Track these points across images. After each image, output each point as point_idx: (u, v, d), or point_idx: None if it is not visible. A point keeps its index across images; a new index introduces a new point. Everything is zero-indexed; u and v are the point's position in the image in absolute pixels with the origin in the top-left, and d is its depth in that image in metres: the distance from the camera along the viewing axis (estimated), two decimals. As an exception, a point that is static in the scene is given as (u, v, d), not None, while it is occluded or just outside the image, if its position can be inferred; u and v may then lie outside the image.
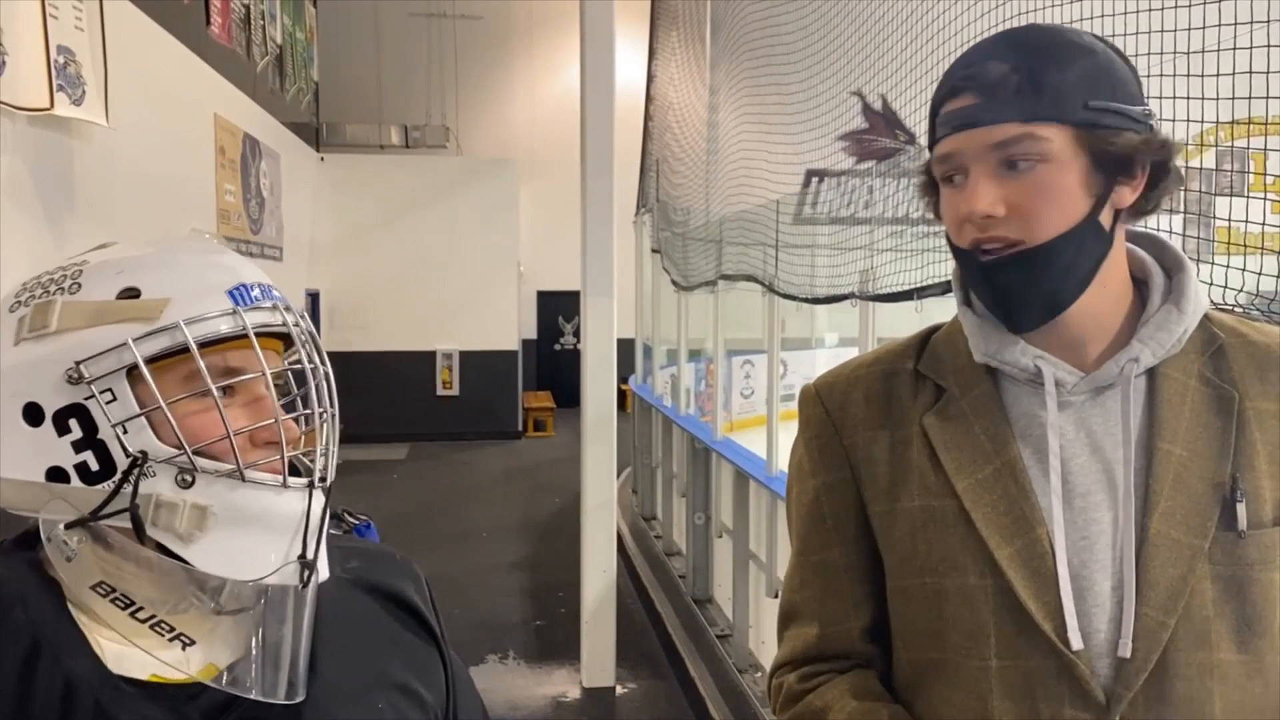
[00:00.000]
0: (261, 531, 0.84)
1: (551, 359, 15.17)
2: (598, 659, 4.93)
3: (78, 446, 0.82)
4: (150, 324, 0.82)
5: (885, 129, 3.45)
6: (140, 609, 0.82)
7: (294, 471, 0.88)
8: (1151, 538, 0.95)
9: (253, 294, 0.87)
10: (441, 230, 12.28)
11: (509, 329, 12.79)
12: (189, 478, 0.82)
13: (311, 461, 0.89)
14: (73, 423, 0.81)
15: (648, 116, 8.12)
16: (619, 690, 4.93)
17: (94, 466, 0.81)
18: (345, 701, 0.89)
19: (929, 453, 1.03)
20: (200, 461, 0.82)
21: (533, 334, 14.78)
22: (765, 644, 4.55)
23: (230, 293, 0.86)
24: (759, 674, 4.49)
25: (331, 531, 0.99)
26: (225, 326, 0.84)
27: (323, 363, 0.92)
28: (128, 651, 0.82)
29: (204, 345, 0.83)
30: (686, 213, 6.43)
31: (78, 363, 0.81)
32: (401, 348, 12.25)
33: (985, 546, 0.98)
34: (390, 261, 12.16)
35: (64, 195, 4.51)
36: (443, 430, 12.23)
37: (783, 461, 4.25)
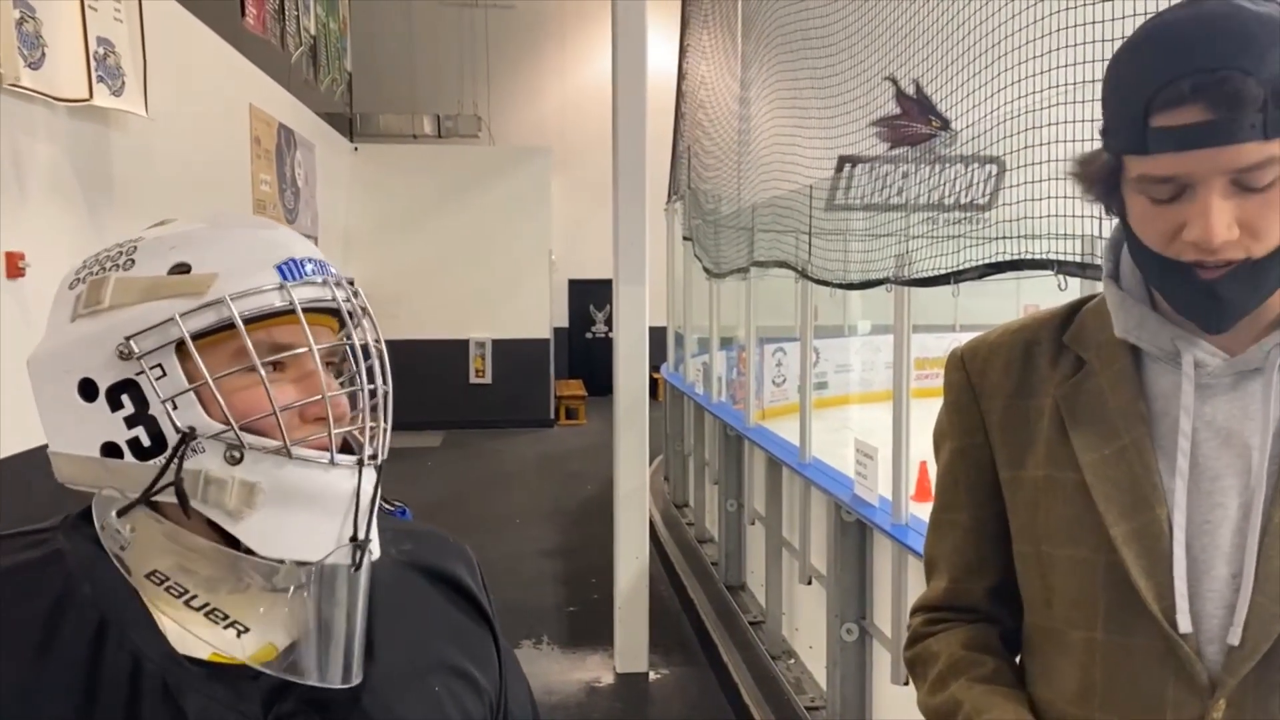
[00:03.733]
0: (311, 510, 0.83)
1: (583, 347, 15.19)
2: (631, 645, 4.95)
3: (130, 422, 0.81)
4: (198, 299, 0.81)
5: (919, 114, 3.42)
6: (194, 597, 0.82)
7: (346, 449, 0.87)
8: (1276, 528, 0.94)
9: (304, 269, 0.86)
10: (474, 219, 12.33)
11: (541, 317, 12.82)
12: (237, 454, 0.81)
13: (363, 438, 0.88)
14: (125, 398, 0.81)
15: (679, 103, 8.10)
16: (652, 676, 4.94)
17: (145, 442, 0.82)
18: (402, 685, 0.89)
19: (1059, 424, 1.03)
20: (247, 438, 0.82)
21: (565, 322, 14.80)
22: (798, 630, 4.55)
23: (279, 267, 0.85)
24: (792, 660, 4.49)
25: (385, 509, 0.99)
26: (272, 301, 0.83)
27: (377, 340, 0.91)
28: (190, 629, 0.82)
29: (252, 320, 0.82)
30: (718, 200, 6.41)
31: (127, 338, 0.81)
32: (435, 336, 12.32)
33: (1101, 522, 0.98)
34: (423, 250, 12.23)
35: (103, 185, 4.57)
36: (476, 418, 12.29)
37: (816, 448, 4.25)
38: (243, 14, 7.35)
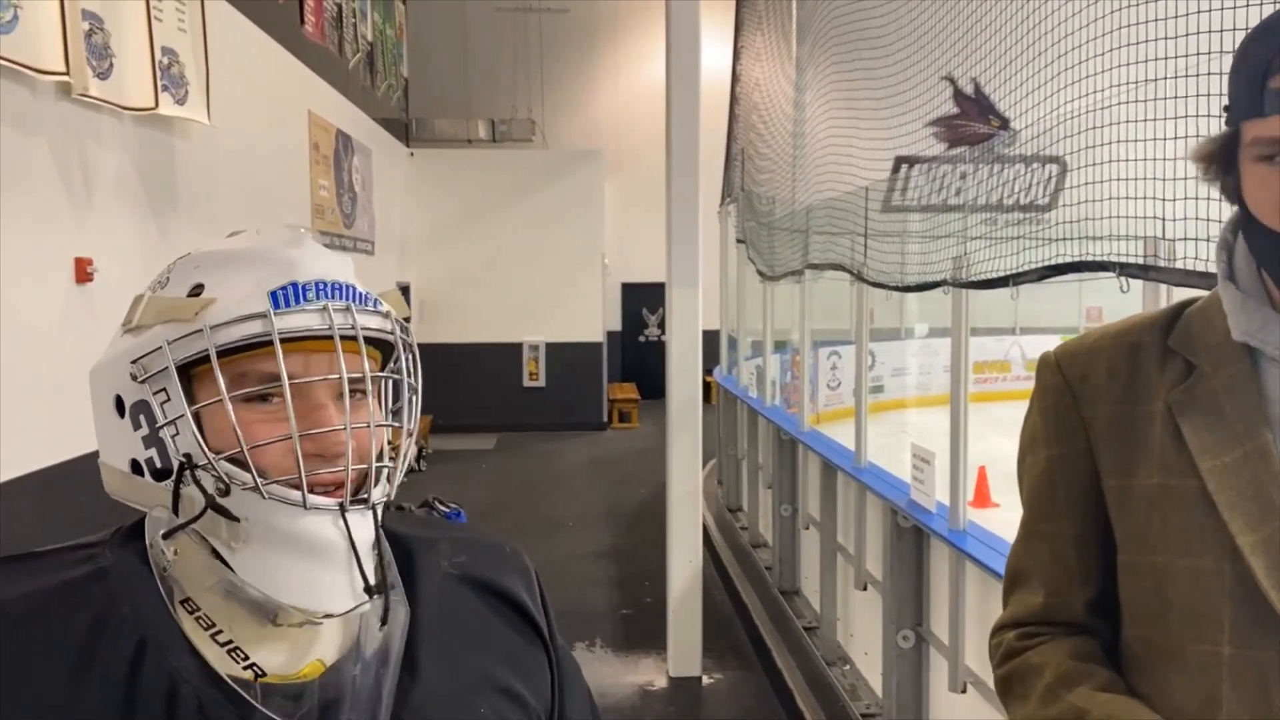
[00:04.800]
0: (298, 554, 0.80)
1: (636, 350, 15.22)
2: (684, 649, 4.94)
3: (146, 442, 0.82)
4: (187, 326, 0.80)
5: (977, 114, 3.37)
6: (220, 632, 0.83)
7: (360, 488, 0.83)
8: None
9: (304, 295, 0.82)
10: (528, 223, 12.41)
11: (594, 321, 12.87)
12: (223, 486, 0.80)
13: (383, 474, 0.85)
14: (142, 418, 0.82)
15: (733, 104, 8.08)
16: (705, 680, 4.93)
17: (157, 464, 0.82)
18: (446, 705, 0.87)
19: (1172, 430, 1.00)
20: (230, 469, 0.79)
21: (618, 325, 14.84)
22: (854, 636, 4.51)
23: (274, 293, 0.81)
24: (847, 666, 4.44)
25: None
26: (254, 330, 0.80)
27: (411, 371, 0.88)
28: (233, 647, 0.83)
29: (234, 351, 0.80)
30: (772, 202, 6.38)
31: (133, 361, 0.82)
32: (489, 339, 12.42)
33: (1226, 531, 0.94)
34: (478, 254, 12.33)
35: (167, 191, 4.68)
36: (529, 421, 12.37)
37: (872, 453, 4.21)
38: (302, 21, 7.47)
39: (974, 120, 3.37)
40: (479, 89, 14.06)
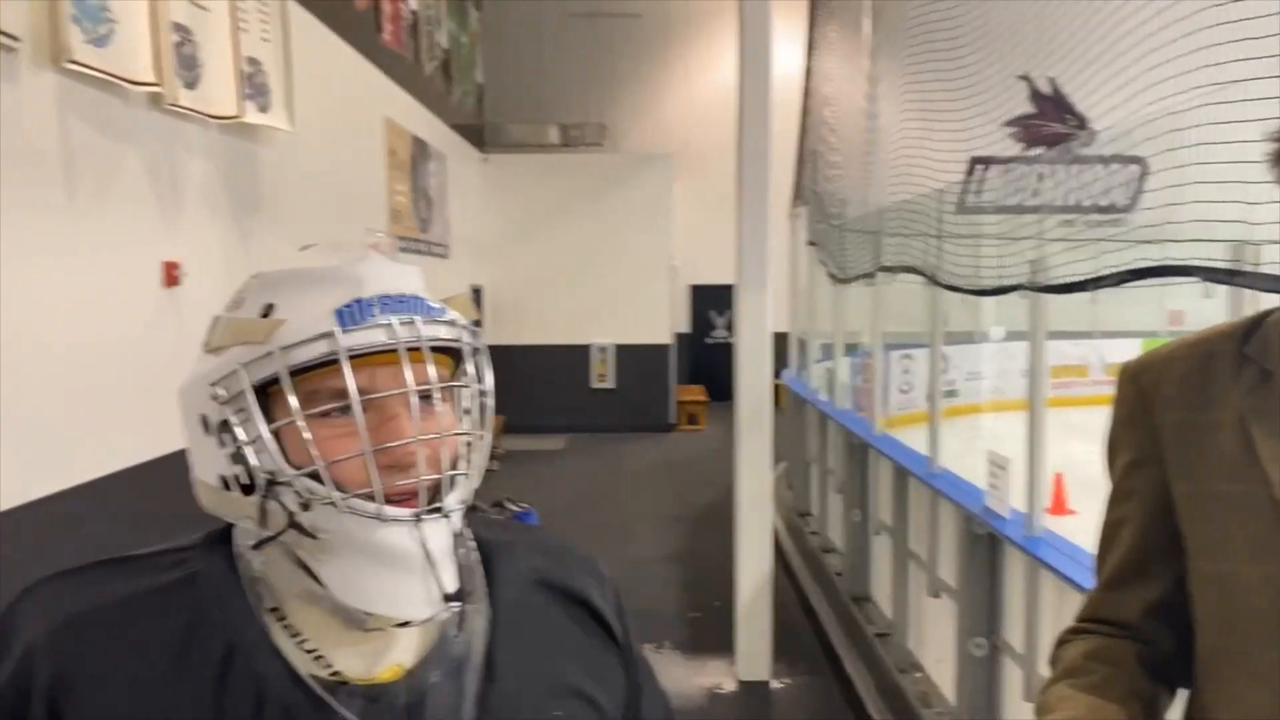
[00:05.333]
0: (374, 563, 0.82)
1: (704, 352, 15.19)
2: (753, 653, 4.92)
3: (232, 459, 0.84)
4: (260, 349, 0.83)
5: (1055, 113, 3.31)
6: (304, 638, 0.85)
7: (435, 497, 0.85)
8: None
9: (370, 311, 0.84)
10: (598, 226, 12.50)
11: (662, 323, 12.90)
12: (305, 501, 0.82)
13: (458, 481, 0.87)
14: (225, 436, 0.84)
15: (805, 105, 8.03)
16: (774, 685, 4.91)
17: (244, 481, 0.84)
18: (523, 708, 0.89)
19: (1244, 437, 0.99)
20: (310, 485, 0.82)
21: (686, 328, 14.84)
22: (926, 644, 4.45)
23: (339, 311, 0.83)
24: (918, 674, 4.39)
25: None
26: (321, 350, 0.82)
27: (479, 376, 0.89)
28: (318, 652, 0.86)
29: (307, 369, 0.83)
30: (843, 204, 6.33)
31: (212, 384, 0.85)
32: (559, 341, 12.53)
33: None
34: (548, 257, 12.46)
35: (250, 197, 4.81)
36: (598, 422, 12.44)
37: (945, 458, 4.15)
38: (379, 29, 7.62)
39: (1051, 120, 3.31)
40: (551, 94, 14.18)
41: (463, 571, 0.87)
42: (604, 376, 12.80)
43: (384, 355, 0.83)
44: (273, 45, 4.80)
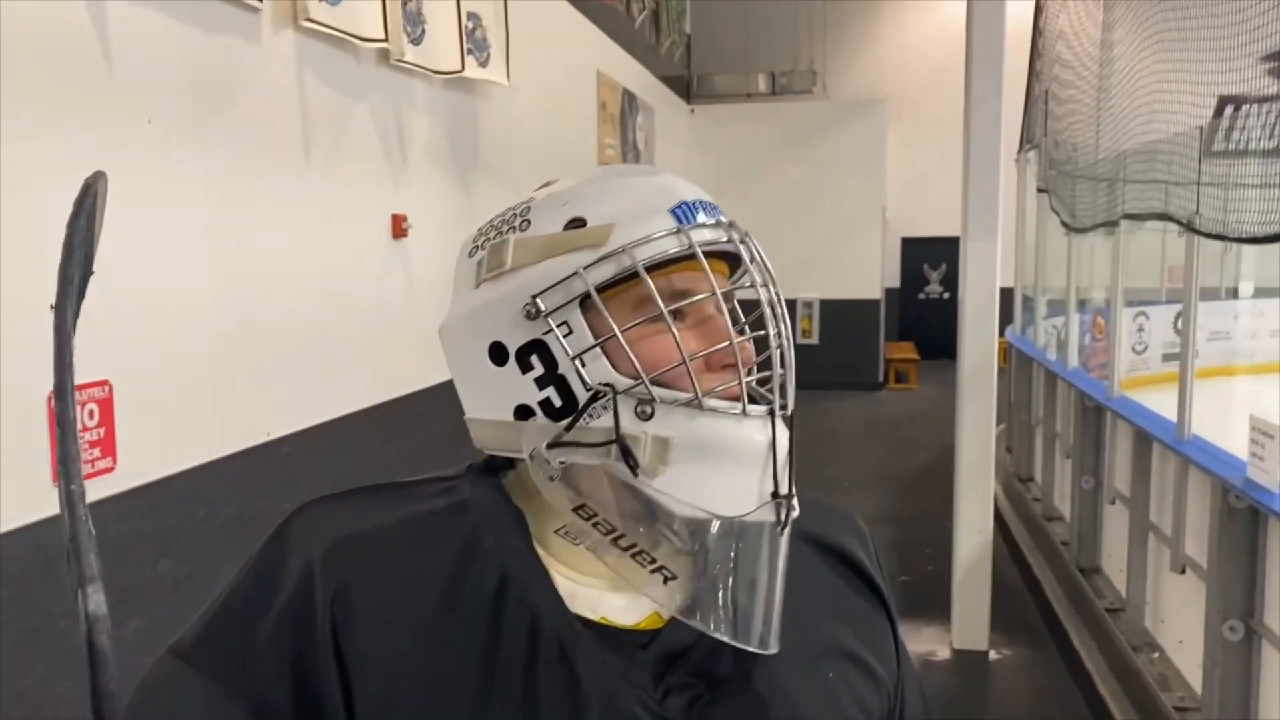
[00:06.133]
0: (726, 464, 0.78)
1: (915, 308, 14.68)
2: (970, 621, 4.73)
3: (540, 383, 0.80)
4: (598, 250, 0.79)
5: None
6: (622, 535, 0.79)
7: (752, 400, 0.81)
8: None
9: (696, 213, 0.83)
10: (806, 176, 12.21)
11: (872, 277, 12.51)
12: (648, 409, 0.78)
13: (769, 389, 0.82)
14: (534, 359, 0.80)
15: (1035, 41, 7.50)
16: (993, 655, 4.70)
17: (557, 402, 0.80)
18: (796, 668, 0.83)
19: None
20: (658, 391, 0.78)
21: (896, 282, 14.36)
22: (1166, 623, 4.13)
23: (673, 211, 0.82)
24: (1155, 654, 4.08)
25: None
26: (672, 247, 0.80)
27: (773, 284, 0.85)
28: (579, 591, 0.82)
29: (652, 268, 0.79)
30: (1074, 148, 5.88)
31: (534, 296, 0.80)
32: (764, 296, 12.39)
33: None
34: (755, 210, 12.25)
35: (470, 151, 4.93)
36: (802, 379, 11.96)
37: (1198, 425, 3.79)
38: (591, -18, 7.64)
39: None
40: (760, 42, 13.90)
41: (791, 475, 0.83)
42: (809, 332, 12.56)
43: (690, 260, 0.82)
44: (492, 0, 4.86)
